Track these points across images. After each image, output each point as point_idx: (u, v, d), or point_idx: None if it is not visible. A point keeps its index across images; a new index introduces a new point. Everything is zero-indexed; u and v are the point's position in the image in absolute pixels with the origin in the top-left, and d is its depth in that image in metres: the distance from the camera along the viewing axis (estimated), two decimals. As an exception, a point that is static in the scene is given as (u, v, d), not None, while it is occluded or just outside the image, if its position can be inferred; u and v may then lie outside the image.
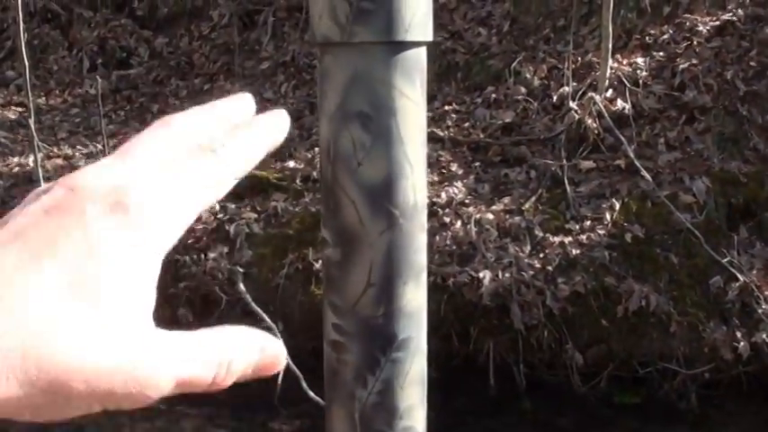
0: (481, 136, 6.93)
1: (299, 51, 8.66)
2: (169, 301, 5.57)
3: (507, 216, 5.96)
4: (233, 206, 6.39)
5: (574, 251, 5.64)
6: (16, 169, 7.35)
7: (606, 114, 6.42)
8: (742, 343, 5.23)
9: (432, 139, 6.90)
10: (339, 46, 0.70)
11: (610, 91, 6.70)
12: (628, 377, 5.52)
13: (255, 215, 6.29)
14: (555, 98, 7.00)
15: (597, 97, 6.50)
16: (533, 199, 6.07)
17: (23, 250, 0.45)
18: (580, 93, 6.76)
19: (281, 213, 6.27)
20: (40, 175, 6.01)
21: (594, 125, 6.43)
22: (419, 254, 0.75)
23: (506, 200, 6.13)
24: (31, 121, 5.98)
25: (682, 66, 6.78)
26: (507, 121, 7.00)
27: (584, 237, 5.73)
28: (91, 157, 7.50)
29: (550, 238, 5.76)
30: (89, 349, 0.45)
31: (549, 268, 5.59)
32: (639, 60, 7.02)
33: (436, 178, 6.43)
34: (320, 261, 5.38)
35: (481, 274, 5.55)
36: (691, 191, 5.91)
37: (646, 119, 6.59)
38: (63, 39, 9.83)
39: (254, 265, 5.99)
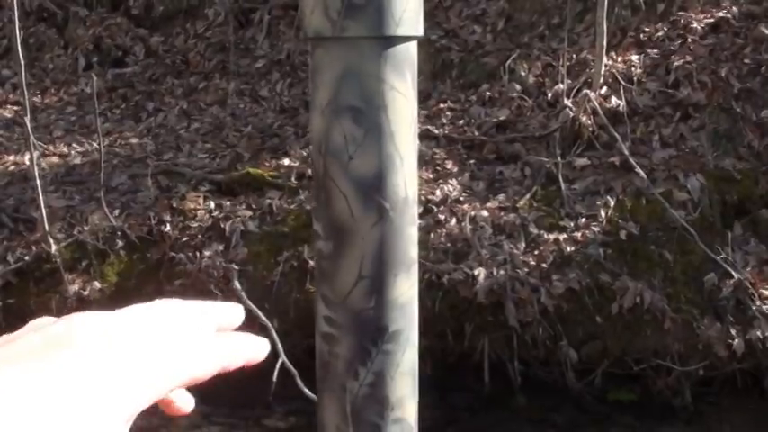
0: (476, 133, 6.93)
1: (294, 49, 8.65)
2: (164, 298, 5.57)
3: (502, 213, 5.97)
4: (228, 204, 6.39)
5: (568, 248, 5.65)
6: (12, 168, 7.35)
7: (601, 112, 6.42)
8: (736, 340, 5.24)
9: (427, 136, 6.90)
10: (330, 41, 0.71)
11: (604, 88, 6.71)
12: (622, 374, 5.53)
13: (250, 213, 6.29)
14: (550, 96, 7.00)
15: (592, 94, 6.51)
16: (528, 196, 6.08)
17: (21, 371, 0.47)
18: (575, 90, 6.76)
19: (276, 211, 6.27)
20: (36, 174, 6.00)
21: (589, 122, 6.44)
22: (410, 247, 0.75)
23: (501, 197, 6.14)
24: (27, 120, 5.97)
25: (676, 63, 6.79)
26: (502, 118, 7.00)
27: (578, 234, 5.73)
28: (86, 155, 7.50)
29: (545, 236, 5.77)
30: None
31: (544, 265, 5.60)
32: (634, 58, 7.02)
33: (431, 176, 6.43)
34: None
35: (476, 272, 5.55)
36: (685, 188, 5.92)
37: (640, 116, 6.60)
38: (59, 37, 9.81)
39: (250, 263, 5.99)
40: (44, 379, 0.47)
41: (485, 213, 5.96)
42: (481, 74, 7.64)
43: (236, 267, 5.90)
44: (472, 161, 6.60)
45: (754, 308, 5.32)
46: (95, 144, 7.12)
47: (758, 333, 5.23)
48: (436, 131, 6.97)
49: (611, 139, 6.31)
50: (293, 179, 6.49)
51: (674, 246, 5.65)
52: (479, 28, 8.14)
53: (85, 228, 6.28)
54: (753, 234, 5.85)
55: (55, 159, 7.49)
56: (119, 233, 6.25)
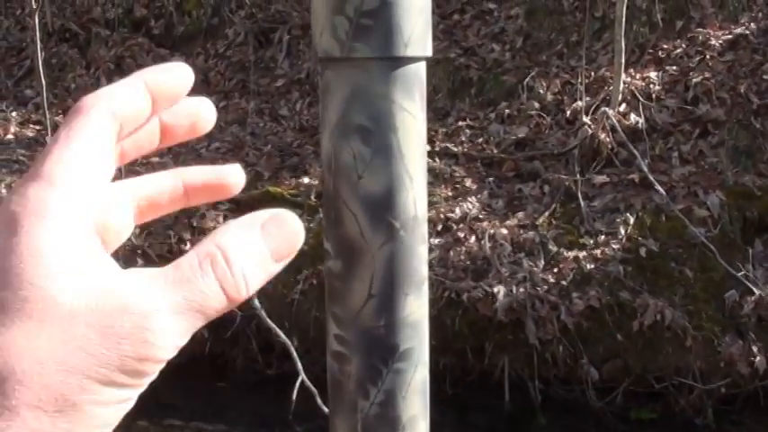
0: (495, 151, 6.93)
1: (313, 69, 8.68)
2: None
3: (521, 231, 5.96)
4: (248, 223, 6.40)
5: (588, 266, 5.63)
6: (33, 187, 7.38)
7: (620, 129, 6.42)
8: (758, 357, 5.21)
9: (446, 154, 6.90)
10: (339, 61, 0.71)
11: (623, 105, 6.70)
12: (644, 392, 5.50)
13: (270, 231, 6.30)
14: (568, 113, 7.00)
15: (610, 112, 6.50)
16: (547, 214, 6.07)
17: None
18: (593, 107, 6.76)
19: (295, 230, 6.28)
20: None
21: (608, 139, 6.43)
22: (420, 265, 0.76)
23: (520, 215, 6.13)
24: (48, 139, 6.01)
25: (695, 80, 6.78)
26: (521, 136, 7.00)
27: (598, 251, 5.72)
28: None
29: (564, 253, 5.75)
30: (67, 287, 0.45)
31: (564, 283, 5.58)
32: (652, 75, 7.02)
33: (450, 193, 6.43)
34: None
35: (495, 289, 5.55)
36: (705, 205, 5.90)
37: (659, 133, 6.58)
38: (81, 57, 9.87)
39: (269, 282, 5.97)
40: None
41: (504, 231, 5.96)
42: (500, 92, 7.64)
43: (255, 286, 5.89)
44: (491, 179, 6.60)
45: (775, 325, 5.29)
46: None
47: (780, 350, 5.20)
48: (455, 149, 6.98)
49: (631, 156, 6.30)
50: (312, 197, 6.51)
51: (695, 263, 5.63)
52: (498, 46, 8.15)
53: (106, 247, 6.30)
54: (774, 251, 5.82)
55: (76, 179, 7.52)
56: (139, 251, 6.27)
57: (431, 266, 5.62)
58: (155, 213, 0.63)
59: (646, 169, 6.11)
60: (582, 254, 5.72)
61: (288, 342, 5.49)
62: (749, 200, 5.97)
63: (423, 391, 0.78)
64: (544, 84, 7.39)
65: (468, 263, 5.80)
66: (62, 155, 0.50)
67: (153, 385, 0.50)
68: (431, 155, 6.84)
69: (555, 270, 5.67)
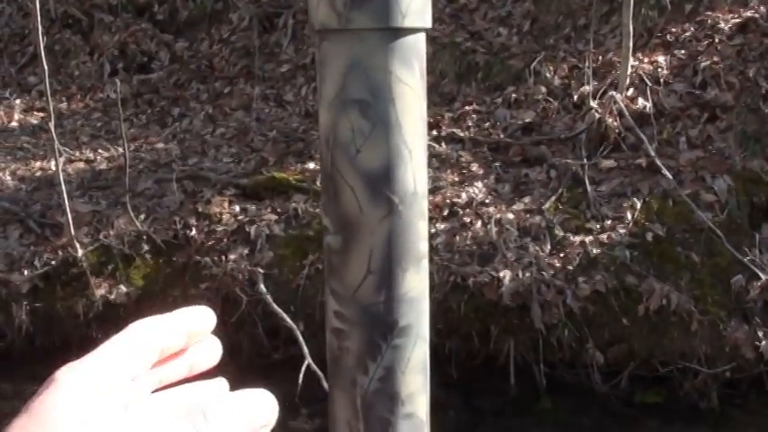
0: (501, 136, 6.92)
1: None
2: (189, 303, 5.58)
3: (528, 216, 5.96)
4: (253, 207, 6.40)
5: (594, 250, 5.63)
6: (39, 173, 7.39)
7: (627, 113, 6.40)
8: (764, 342, 5.20)
9: (452, 139, 6.90)
10: (337, 32, 0.70)
11: (631, 90, 6.68)
12: (649, 376, 5.50)
13: (276, 216, 6.30)
14: (575, 97, 6.99)
15: (618, 96, 6.48)
16: (554, 198, 6.06)
17: None
18: (601, 92, 6.74)
19: (301, 214, 6.28)
20: (62, 180, 6.04)
21: (615, 124, 6.41)
22: (419, 241, 0.75)
23: (527, 199, 6.12)
24: (52, 126, 6.01)
25: (703, 64, 6.75)
26: (528, 120, 6.99)
27: (604, 236, 5.71)
28: (112, 160, 7.54)
29: (571, 238, 5.75)
30: None
31: (570, 267, 5.58)
32: (660, 59, 6.99)
33: (456, 178, 6.42)
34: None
35: (501, 274, 5.54)
36: (712, 189, 5.89)
37: (667, 117, 6.56)
38: (84, 44, 9.86)
39: (275, 267, 6.00)
40: None
41: (510, 216, 5.95)
42: (506, 76, 7.63)
43: (261, 271, 5.91)
44: (498, 163, 6.59)
45: (782, 309, 5.28)
46: (121, 149, 7.15)
47: (786, 335, 5.20)
48: (461, 134, 6.97)
49: (638, 141, 6.29)
50: (318, 183, 6.50)
51: (701, 247, 5.62)
52: (505, 30, 8.13)
53: (111, 232, 6.31)
54: (781, 235, 5.80)
55: (81, 165, 7.54)
56: (144, 237, 6.27)
57: (436, 251, 5.63)
58: None
59: (653, 154, 6.09)
60: (588, 238, 5.71)
61: (294, 326, 5.50)
62: (757, 185, 5.95)
63: (422, 367, 0.77)
64: (551, 68, 7.37)
65: (475, 247, 5.80)
66: (103, 351, 0.60)
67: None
68: (437, 140, 6.83)
69: (561, 255, 5.66)
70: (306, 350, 5.21)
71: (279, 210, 6.37)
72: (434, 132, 6.91)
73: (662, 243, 5.66)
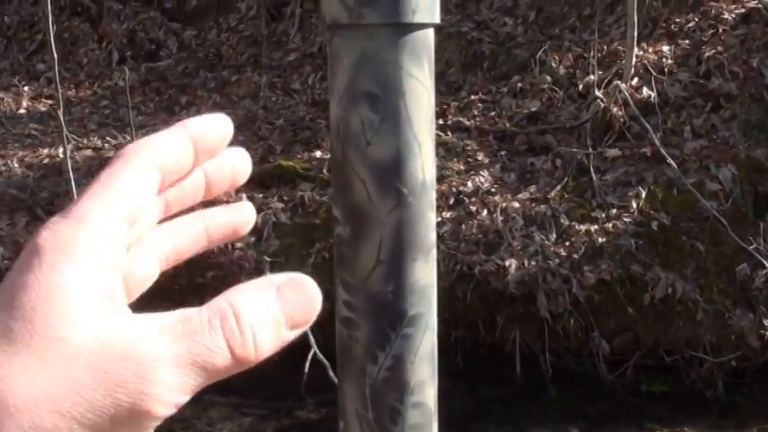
0: (507, 125, 6.92)
1: (325, 42, 8.67)
2: (196, 291, 5.60)
3: (533, 204, 5.96)
4: (260, 196, 6.41)
5: (600, 239, 5.63)
6: (46, 161, 7.41)
7: (632, 102, 6.40)
8: (769, 330, 5.21)
9: (458, 128, 6.90)
10: (347, 28, 0.71)
11: (635, 79, 6.68)
12: (654, 365, 5.51)
13: (282, 205, 6.31)
14: (581, 87, 6.99)
15: (623, 85, 6.49)
16: (559, 187, 6.07)
17: None
18: (606, 81, 6.74)
19: (307, 203, 6.29)
20: (69, 167, 6.04)
21: (620, 113, 6.42)
22: (428, 232, 0.76)
23: (532, 188, 6.13)
24: (60, 113, 6.02)
25: (707, 53, 6.75)
26: (533, 109, 7.00)
27: (610, 225, 5.72)
28: (120, 148, 7.54)
29: (576, 227, 5.75)
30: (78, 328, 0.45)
31: (575, 256, 5.59)
32: (665, 48, 6.99)
33: (462, 167, 6.43)
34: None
35: (507, 263, 5.55)
36: (717, 178, 5.89)
37: (671, 107, 6.56)
38: (93, 31, 9.87)
39: (282, 255, 6.01)
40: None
41: (516, 204, 5.96)
42: (512, 65, 7.63)
43: (268, 259, 5.92)
44: (503, 152, 6.60)
45: (787, 299, 5.29)
46: (129, 137, 7.16)
47: (791, 324, 5.20)
48: (467, 123, 6.97)
49: (643, 130, 6.29)
50: (325, 171, 6.51)
51: (706, 236, 5.62)
52: (510, 20, 8.13)
53: (119, 220, 6.31)
54: (786, 225, 5.81)
55: (89, 152, 7.55)
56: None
57: (443, 240, 5.63)
58: (178, 260, 0.62)
59: (658, 143, 6.09)
60: (594, 227, 5.72)
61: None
62: (761, 174, 5.95)
63: (431, 357, 0.78)
64: (556, 57, 7.37)
65: (480, 236, 5.81)
66: (96, 196, 0.50)
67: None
68: (443, 129, 6.83)
69: (567, 243, 5.67)
70: (312, 339, 5.21)
71: (285, 198, 6.38)
72: (440, 121, 6.92)
73: (667, 232, 5.67)
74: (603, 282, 5.47)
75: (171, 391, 0.45)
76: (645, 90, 6.58)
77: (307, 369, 5.19)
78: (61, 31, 9.61)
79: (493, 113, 7.12)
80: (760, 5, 7.02)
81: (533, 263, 5.54)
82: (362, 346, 0.75)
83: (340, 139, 0.73)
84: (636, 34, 6.54)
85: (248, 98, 8.39)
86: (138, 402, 0.44)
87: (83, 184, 6.68)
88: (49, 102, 8.72)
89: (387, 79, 0.71)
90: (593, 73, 6.75)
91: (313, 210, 6.24)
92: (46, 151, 7.58)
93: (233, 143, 0.61)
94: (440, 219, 5.90)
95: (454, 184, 6.20)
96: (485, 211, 5.96)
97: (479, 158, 6.54)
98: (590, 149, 6.31)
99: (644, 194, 5.84)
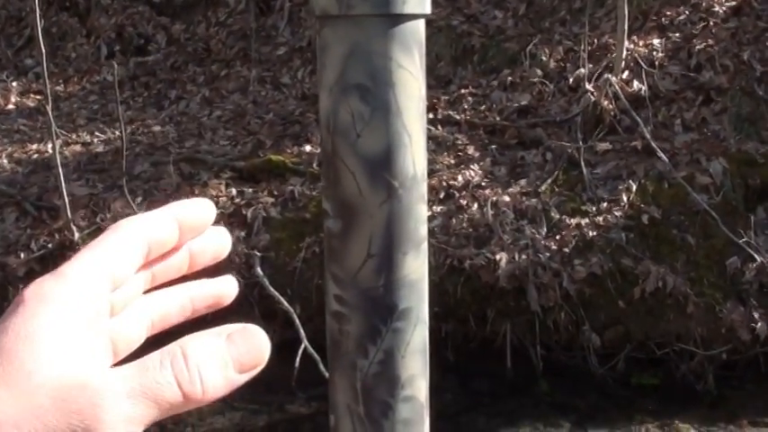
0: (497, 119, 6.92)
1: (314, 36, 8.65)
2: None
3: (524, 198, 5.96)
4: (250, 190, 6.40)
5: (590, 233, 5.64)
6: (35, 156, 7.39)
7: (622, 96, 6.40)
8: (759, 323, 5.22)
9: (448, 122, 6.89)
10: (337, 19, 0.71)
11: (626, 72, 6.68)
12: (645, 358, 5.51)
13: (272, 199, 6.30)
14: (571, 80, 6.99)
15: (613, 79, 6.49)
16: (549, 181, 6.07)
17: None
18: (596, 75, 6.74)
19: (297, 197, 6.29)
20: (59, 162, 6.03)
21: (611, 107, 6.42)
22: (419, 225, 0.75)
23: (523, 182, 6.13)
24: (49, 108, 6.00)
25: (698, 47, 6.76)
26: (523, 103, 6.99)
27: (600, 218, 5.72)
28: (109, 143, 7.53)
29: (567, 220, 5.76)
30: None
31: (566, 250, 5.59)
32: (656, 42, 6.99)
33: (453, 161, 6.43)
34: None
35: (498, 257, 5.55)
36: (707, 172, 5.89)
37: (662, 100, 6.57)
38: (81, 26, 9.85)
39: (272, 249, 6.00)
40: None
41: (506, 198, 5.95)
42: (502, 59, 7.62)
43: (258, 254, 5.91)
44: (494, 146, 6.59)
45: (777, 291, 5.30)
46: (118, 132, 7.15)
47: (782, 317, 5.21)
48: (458, 117, 6.97)
49: (633, 124, 6.29)
50: (315, 165, 6.50)
51: (697, 230, 5.63)
52: (500, 13, 8.13)
53: (108, 215, 6.30)
54: (776, 217, 5.82)
55: (77, 147, 7.53)
56: (141, 220, 6.26)
57: (433, 234, 5.63)
58: (164, 326, 0.68)
59: (648, 136, 6.10)
60: (584, 221, 5.72)
61: (290, 309, 5.51)
62: (752, 167, 5.96)
63: (422, 351, 0.77)
64: (547, 51, 7.37)
65: (471, 230, 5.81)
66: (83, 257, 0.57)
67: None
68: (433, 122, 6.83)
69: (557, 237, 5.67)
70: (303, 333, 5.21)
71: (275, 192, 6.37)
72: (430, 115, 6.91)
73: (658, 225, 5.67)
74: (594, 275, 5.47)
75: (123, 420, 0.50)
76: (635, 83, 6.59)
77: (297, 363, 5.19)
78: (49, 25, 9.59)
79: (483, 107, 7.12)
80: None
81: (524, 257, 5.54)
82: (353, 340, 0.75)
83: (330, 131, 0.72)
84: (626, 27, 6.54)
85: (237, 92, 8.38)
86: (91, 428, 0.49)
87: (71, 179, 6.67)
88: (38, 97, 8.70)
89: (376, 70, 0.70)
90: (584, 66, 6.75)
91: (303, 204, 6.23)
92: (35, 147, 7.56)
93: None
94: (430, 213, 5.90)
95: (444, 178, 6.19)
96: (475, 205, 5.95)
97: (470, 152, 6.54)
98: (580, 143, 6.31)
99: (634, 188, 5.85)
